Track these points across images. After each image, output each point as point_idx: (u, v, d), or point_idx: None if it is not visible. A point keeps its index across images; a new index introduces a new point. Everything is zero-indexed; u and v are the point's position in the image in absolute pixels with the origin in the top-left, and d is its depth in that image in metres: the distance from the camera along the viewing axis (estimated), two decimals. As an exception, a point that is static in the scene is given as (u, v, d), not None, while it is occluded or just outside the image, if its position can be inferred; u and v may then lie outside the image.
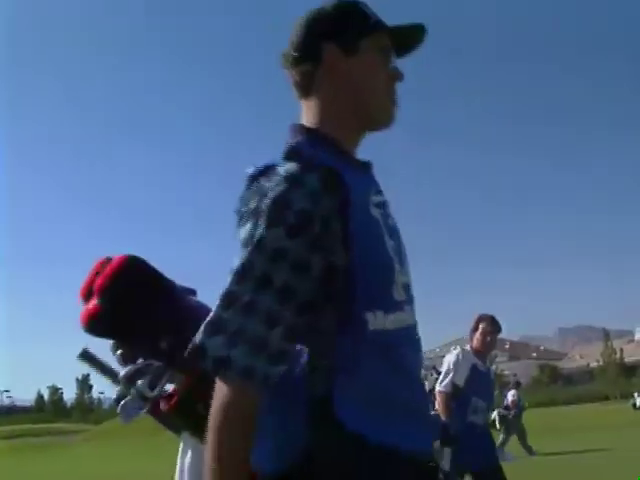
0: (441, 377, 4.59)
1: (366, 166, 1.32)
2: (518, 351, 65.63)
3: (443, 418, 4.32)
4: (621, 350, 33.43)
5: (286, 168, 1.13)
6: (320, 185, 1.12)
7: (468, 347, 4.63)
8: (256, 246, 1.10)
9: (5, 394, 54.98)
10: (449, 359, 4.60)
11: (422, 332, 1.30)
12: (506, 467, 4.66)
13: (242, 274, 1.11)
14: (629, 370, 34.78)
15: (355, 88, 1.29)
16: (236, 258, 1.12)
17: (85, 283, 1.45)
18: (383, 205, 1.28)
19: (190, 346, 1.11)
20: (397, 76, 1.34)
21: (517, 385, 20.94)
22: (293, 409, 1.15)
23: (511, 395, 18.54)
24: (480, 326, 4.57)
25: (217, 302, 1.12)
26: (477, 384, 4.48)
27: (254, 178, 1.15)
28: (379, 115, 1.33)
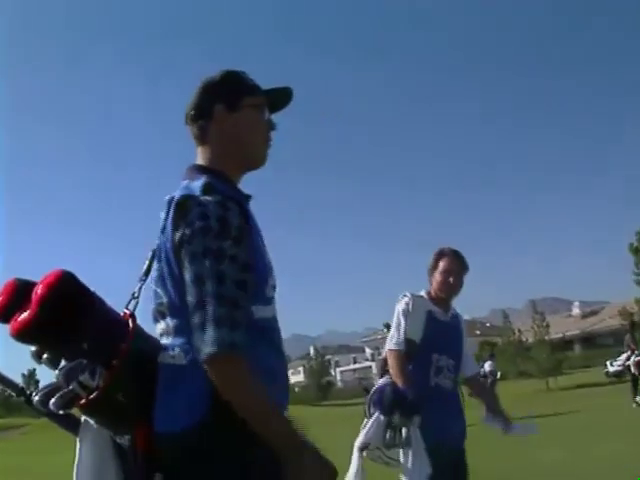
0: (390, 333, 3.52)
1: (248, 198, 1.70)
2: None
3: (399, 384, 3.26)
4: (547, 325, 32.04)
5: (214, 198, 1.51)
6: (239, 210, 1.52)
7: (423, 292, 3.59)
8: (219, 255, 1.45)
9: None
10: (397, 310, 3.52)
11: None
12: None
13: (219, 278, 1.43)
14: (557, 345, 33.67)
15: (237, 137, 1.70)
16: (196, 267, 1.45)
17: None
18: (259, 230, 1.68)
19: (221, 345, 1.39)
20: (271, 126, 1.77)
21: (492, 356, 22.34)
22: (202, 371, 1.43)
23: (488, 365, 20.03)
24: (440, 264, 3.53)
25: (212, 302, 1.42)
26: (438, 337, 3.45)
27: (183, 204, 1.52)
28: (254, 157, 1.75)
